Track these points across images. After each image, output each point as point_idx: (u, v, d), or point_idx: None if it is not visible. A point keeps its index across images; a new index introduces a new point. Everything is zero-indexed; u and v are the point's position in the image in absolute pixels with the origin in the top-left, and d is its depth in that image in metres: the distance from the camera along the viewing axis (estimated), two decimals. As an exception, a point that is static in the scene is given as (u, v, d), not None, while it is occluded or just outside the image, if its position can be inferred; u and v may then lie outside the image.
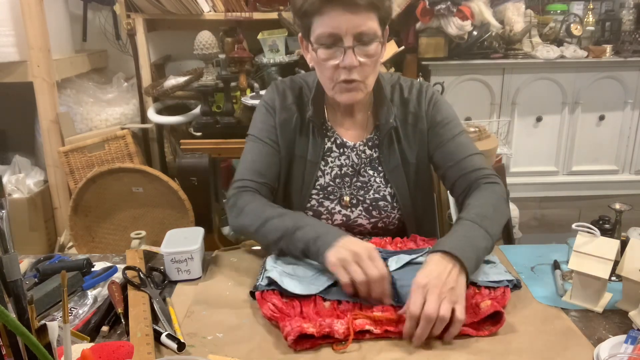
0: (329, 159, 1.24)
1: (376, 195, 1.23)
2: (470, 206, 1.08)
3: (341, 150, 1.24)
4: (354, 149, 1.23)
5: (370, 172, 1.23)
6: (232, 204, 1.17)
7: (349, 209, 1.23)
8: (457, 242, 0.97)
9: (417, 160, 1.22)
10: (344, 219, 1.23)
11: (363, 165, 1.23)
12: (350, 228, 1.24)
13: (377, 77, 1.19)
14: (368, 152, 1.24)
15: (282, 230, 1.07)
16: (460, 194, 1.18)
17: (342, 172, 1.23)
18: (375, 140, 1.24)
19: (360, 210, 1.23)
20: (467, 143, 1.21)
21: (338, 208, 1.23)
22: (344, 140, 1.24)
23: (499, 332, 0.88)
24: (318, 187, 1.23)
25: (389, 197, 1.23)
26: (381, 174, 1.23)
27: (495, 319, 0.89)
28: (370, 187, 1.23)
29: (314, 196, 1.23)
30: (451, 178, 1.19)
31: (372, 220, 1.23)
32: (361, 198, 1.23)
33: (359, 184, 1.23)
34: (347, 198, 1.22)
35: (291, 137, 1.22)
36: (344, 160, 1.23)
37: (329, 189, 1.23)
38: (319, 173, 1.23)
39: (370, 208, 1.23)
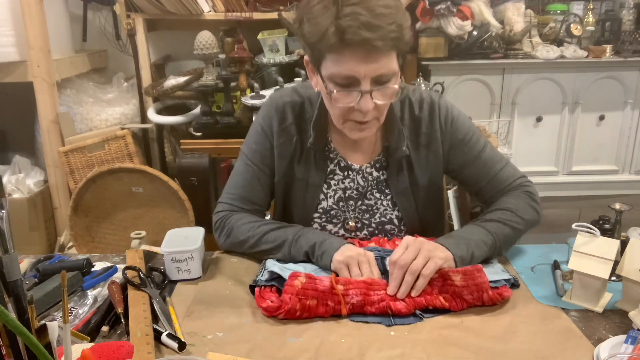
0: (332, 182, 1.19)
1: (382, 219, 1.19)
2: (490, 212, 1.13)
3: (345, 173, 1.19)
4: (360, 172, 1.18)
5: (377, 195, 1.19)
6: (220, 226, 1.18)
7: (353, 233, 1.20)
8: (447, 239, 1.04)
9: (428, 182, 1.18)
10: None
11: (370, 188, 1.19)
12: None
13: None
14: (375, 174, 1.19)
15: (284, 238, 1.09)
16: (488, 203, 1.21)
17: (347, 195, 1.19)
18: (383, 162, 1.18)
19: (365, 234, 1.20)
20: (494, 155, 1.19)
21: (342, 232, 1.20)
22: (349, 163, 1.18)
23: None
24: (320, 210, 1.19)
25: (396, 221, 1.19)
26: (388, 197, 1.19)
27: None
28: (376, 211, 1.19)
29: (316, 220, 1.20)
30: (486, 195, 1.20)
31: None
32: (366, 222, 1.19)
33: (364, 207, 1.19)
34: (352, 223, 1.19)
35: (290, 161, 1.18)
36: (349, 183, 1.19)
37: (332, 212, 1.19)
38: (322, 196, 1.19)
39: (376, 232, 1.20)
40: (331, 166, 1.19)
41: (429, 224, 1.22)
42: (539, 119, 2.95)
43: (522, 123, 2.95)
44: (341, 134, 1.14)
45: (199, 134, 2.31)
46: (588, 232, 0.97)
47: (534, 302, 0.98)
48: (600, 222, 1.10)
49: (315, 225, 1.20)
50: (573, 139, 3.01)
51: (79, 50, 2.81)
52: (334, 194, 1.19)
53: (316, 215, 1.20)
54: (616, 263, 0.94)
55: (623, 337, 0.83)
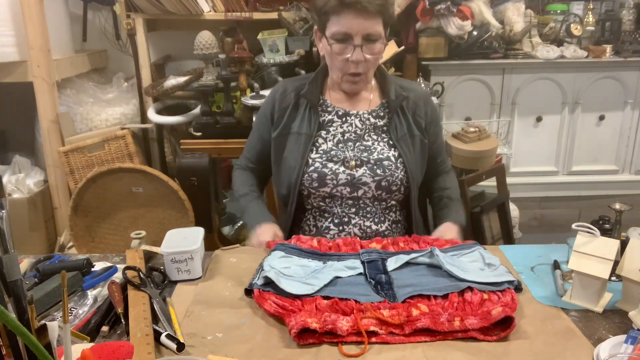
0: (331, 128, 1.36)
1: (380, 156, 1.32)
2: (449, 189, 1.45)
3: (343, 119, 1.36)
4: (358, 116, 1.36)
5: (374, 137, 1.35)
6: (232, 176, 1.52)
7: (353, 169, 1.31)
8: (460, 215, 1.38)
9: (419, 137, 1.37)
10: (349, 177, 1.30)
11: (367, 131, 1.36)
12: (355, 187, 1.31)
13: (379, 67, 1.40)
14: (372, 120, 1.37)
15: (242, 206, 1.44)
16: (429, 177, 1.47)
17: (345, 137, 1.35)
18: (380, 112, 1.38)
19: (364, 169, 1.31)
20: (444, 146, 1.52)
21: (342, 169, 1.31)
22: (347, 110, 1.37)
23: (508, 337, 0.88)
24: (321, 151, 1.33)
25: (392, 158, 1.33)
26: (385, 140, 1.35)
27: (505, 324, 0.89)
28: (373, 150, 1.33)
29: (317, 160, 1.32)
30: (433, 170, 1.47)
31: (377, 178, 1.30)
32: (365, 159, 1.32)
33: (362, 147, 1.34)
34: (352, 163, 1.31)
35: (287, 119, 1.37)
36: (347, 127, 1.36)
37: (332, 152, 1.33)
38: (321, 141, 1.34)
39: (375, 167, 1.31)
40: (328, 117, 1.37)
41: (421, 168, 1.41)
42: (539, 119, 2.95)
43: (522, 123, 2.95)
44: (338, 92, 1.39)
45: (199, 134, 2.30)
46: (588, 232, 0.97)
47: (534, 302, 0.98)
48: (600, 222, 1.10)
49: (317, 164, 1.32)
50: (573, 139, 3.01)
51: (79, 50, 2.81)
52: (333, 138, 1.35)
53: (317, 155, 1.33)
54: (616, 263, 0.94)
55: (623, 337, 0.83)
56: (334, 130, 1.35)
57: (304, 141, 1.33)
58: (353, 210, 1.32)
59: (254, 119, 1.91)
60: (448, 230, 1.31)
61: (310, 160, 1.32)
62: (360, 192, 1.31)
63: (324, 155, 1.32)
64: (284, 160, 1.36)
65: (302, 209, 1.37)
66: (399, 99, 1.36)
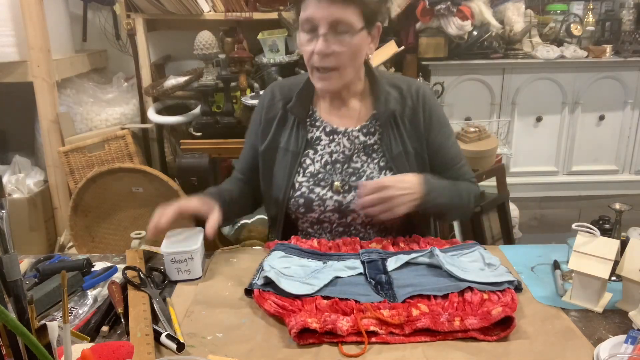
0: (319, 147, 1.25)
1: (369, 180, 1.21)
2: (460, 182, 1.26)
3: (331, 137, 1.25)
4: (346, 134, 1.24)
5: (364, 158, 1.24)
6: None
7: (341, 195, 1.22)
8: (435, 183, 1.17)
9: (415, 152, 1.24)
10: (336, 204, 1.22)
11: (356, 151, 1.24)
12: (344, 213, 1.22)
13: (371, 70, 1.26)
14: (362, 138, 1.24)
15: None
16: None
17: (333, 158, 1.24)
18: (371, 127, 1.25)
19: (352, 195, 1.21)
20: (459, 152, 1.30)
21: (330, 194, 1.22)
22: (334, 127, 1.25)
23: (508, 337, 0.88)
24: (308, 174, 1.24)
25: None
26: (375, 161, 1.23)
27: (505, 324, 0.88)
28: (362, 174, 1.22)
29: (304, 184, 1.23)
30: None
31: None
32: (354, 184, 1.22)
33: (350, 170, 1.23)
34: (337, 183, 1.21)
35: (275, 131, 1.28)
36: (334, 146, 1.25)
37: (319, 175, 1.23)
38: (308, 161, 1.25)
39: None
40: (316, 133, 1.26)
41: None
42: (539, 119, 2.95)
43: (522, 123, 2.95)
44: (326, 100, 1.27)
45: (199, 134, 2.30)
46: (588, 232, 0.97)
47: (534, 302, 0.98)
48: (600, 222, 1.10)
49: (304, 189, 1.23)
50: (573, 139, 3.01)
51: (79, 50, 2.81)
52: (321, 159, 1.25)
53: (304, 179, 1.24)
54: (616, 263, 0.94)
55: (623, 337, 0.83)
56: (321, 150, 1.25)
57: (291, 159, 1.24)
58: (344, 236, 1.24)
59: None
60: (408, 176, 1.15)
61: (297, 184, 1.23)
62: (349, 219, 1.22)
63: (310, 179, 1.23)
64: (273, 176, 1.27)
65: (291, 232, 1.27)
66: (388, 111, 1.22)
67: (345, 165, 1.23)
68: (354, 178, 1.22)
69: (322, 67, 1.15)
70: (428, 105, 1.25)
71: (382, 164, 1.23)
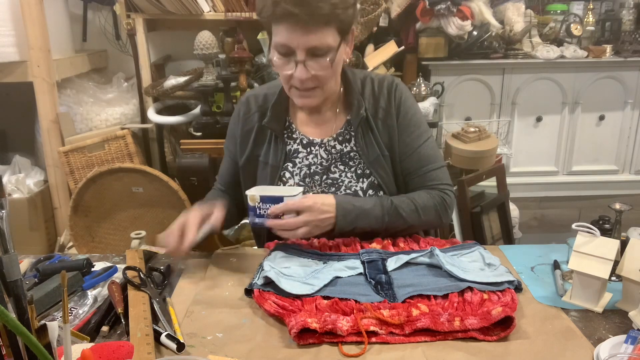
0: (297, 160, 1.24)
1: (348, 191, 1.22)
2: (410, 197, 1.20)
3: (308, 149, 1.24)
4: (322, 145, 1.23)
5: (341, 168, 1.23)
6: None
7: None
8: (348, 204, 1.13)
9: (391, 154, 1.22)
10: None
11: (333, 161, 1.23)
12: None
13: (346, 74, 1.23)
14: (338, 147, 1.23)
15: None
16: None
17: (312, 171, 1.24)
18: (346, 134, 1.23)
19: None
20: (433, 154, 1.24)
21: None
22: (311, 138, 1.24)
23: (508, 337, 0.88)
24: None
25: (360, 192, 1.22)
26: (352, 169, 1.22)
27: (505, 324, 0.88)
28: (341, 184, 1.22)
29: None
30: (412, 186, 1.24)
31: None
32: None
33: (329, 181, 1.23)
34: None
35: (253, 145, 1.26)
36: (312, 158, 1.24)
37: None
38: (288, 175, 1.24)
39: None
40: (294, 146, 1.25)
41: (404, 190, 1.24)
42: (539, 119, 2.95)
43: (522, 123, 2.95)
44: (304, 113, 1.25)
45: (199, 134, 2.30)
46: (588, 232, 0.97)
47: (534, 302, 0.98)
48: (600, 222, 1.10)
49: None
50: (573, 139, 3.01)
51: (79, 50, 2.81)
52: (300, 172, 1.24)
53: None
54: (616, 263, 0.94)
55: (623, 337, 0.83)
56: (299, 163, 1.24)
57: (271, 173, 1.23)
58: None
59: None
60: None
61: None
62: (331, 229, 1.16)
63: None
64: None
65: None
66: (361, 116, 1.19)
67: (324, 177, 1.23)
68: (332, 189, 1.22)
69: (303, 88, 1.12)
70: (403, 106, 1.22)
71: (359, 171, 1.22)
